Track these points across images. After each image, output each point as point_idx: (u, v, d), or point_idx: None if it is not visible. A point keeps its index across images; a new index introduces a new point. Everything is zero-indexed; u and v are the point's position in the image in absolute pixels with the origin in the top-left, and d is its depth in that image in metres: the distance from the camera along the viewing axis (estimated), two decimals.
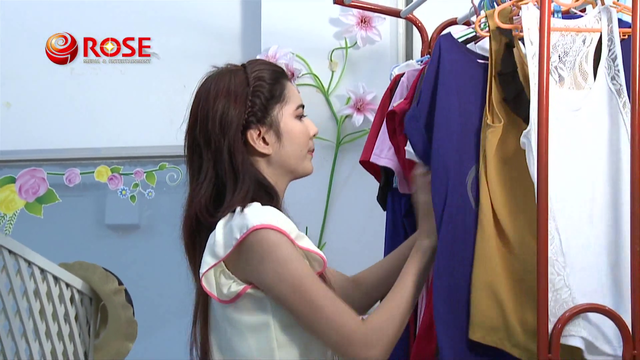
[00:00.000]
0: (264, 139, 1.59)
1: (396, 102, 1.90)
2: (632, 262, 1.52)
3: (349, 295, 1.67)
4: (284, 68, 2.53)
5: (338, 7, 2.43)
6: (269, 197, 1.57)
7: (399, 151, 1.85)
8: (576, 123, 1.60)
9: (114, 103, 2.93)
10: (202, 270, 1.48)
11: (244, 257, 1.47)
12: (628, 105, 1.59)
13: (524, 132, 1.56)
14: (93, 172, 2.85)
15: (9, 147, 2.86)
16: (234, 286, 1.48)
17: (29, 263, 2.38)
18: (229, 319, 1.51)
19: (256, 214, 1.48)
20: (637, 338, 1.50)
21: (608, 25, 1.65)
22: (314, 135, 1.67)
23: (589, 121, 1.61)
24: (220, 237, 1.48)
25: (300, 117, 1.64)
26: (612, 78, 1.63)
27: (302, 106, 1.66)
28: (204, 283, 1.48)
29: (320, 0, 2.47)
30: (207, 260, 1.48)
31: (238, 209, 1.50)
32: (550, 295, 1.50)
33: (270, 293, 1.48)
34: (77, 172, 2.85)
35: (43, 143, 2.88)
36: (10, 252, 2.33)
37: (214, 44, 2.87)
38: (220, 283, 1.49)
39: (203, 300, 1.60)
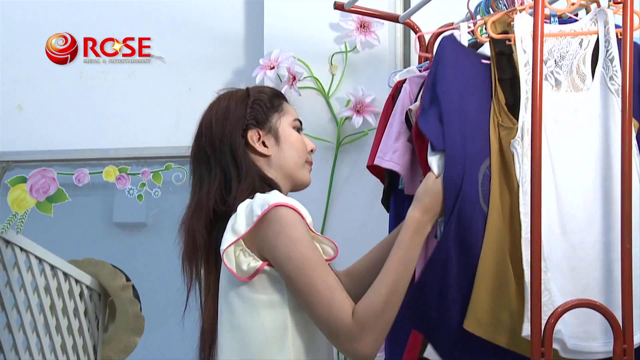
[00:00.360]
0: (263, 143, 1.64)
1: (399, 108, 1.88)
2: (623, 259, 1.52)
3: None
4: (286, 72, 2.56)
5: (338, 12, 2.43)
6: (272, 190, 1.59)
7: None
8: (574, 124, 1.60)
9: (122, 105, 2.93)
10: (223, 247, 1.50)
11: (262, 232, 1.49)
12: None
13: (512, 140, 1.56)
14: (101, 172, 2.85)
15: (20, 148, 2.86)
16: (252, 262, 1.50)
17: (40, 260, 2.39)
18: (244, 296, 1.53)
19: (277, 195, 1.52)
20: (627, 332, 1.51)
21: (605, 27, 1.64)
22: (312, 151, 1.72)
23: (586, 121, 1.60)
24: (242, 217, 1.51)
25: (297, 130, 1.70)
26: (611, 78, 1.62)
27: (300, 122, 1.72)
28: (224, 260, 1.50)
29: (321, 5, 2.48)
30: (228, 238, 1.51)
31: (258, 193, 1.52)
32: (527, 297, 1.52)
33: (278, 269, 1.49)
34: (86, 172, 2.85)
35: (53, 144, 2.88)
36: (21, 249, 2.35)
37: (218, 48, 2.87)
38: (240, 261, 1.51)
39: (212, 284, 1.61)
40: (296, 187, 1.71)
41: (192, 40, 2.90)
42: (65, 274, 2.42)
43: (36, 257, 2.38)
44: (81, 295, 2.45)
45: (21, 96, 2.96)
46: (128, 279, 2.60)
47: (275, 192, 1.54)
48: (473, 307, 1.54)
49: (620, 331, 1.50)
